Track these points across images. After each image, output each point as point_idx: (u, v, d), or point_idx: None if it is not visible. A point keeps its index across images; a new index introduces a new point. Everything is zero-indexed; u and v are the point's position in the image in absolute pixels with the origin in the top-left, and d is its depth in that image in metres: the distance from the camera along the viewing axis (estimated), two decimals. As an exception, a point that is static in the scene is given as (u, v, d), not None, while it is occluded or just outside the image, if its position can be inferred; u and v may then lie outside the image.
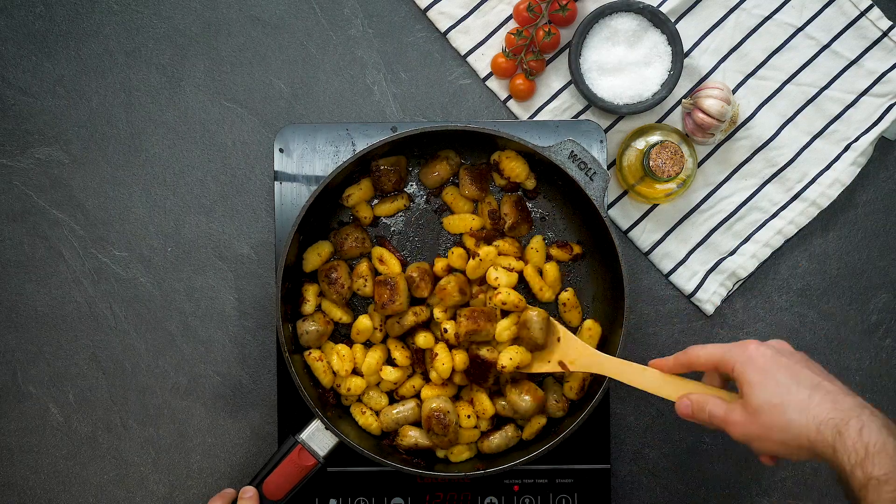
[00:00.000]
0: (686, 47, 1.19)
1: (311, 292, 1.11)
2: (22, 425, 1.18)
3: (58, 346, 1.18)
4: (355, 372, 1.11)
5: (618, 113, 1.15)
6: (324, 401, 1.10)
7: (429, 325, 1.11)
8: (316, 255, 1.11)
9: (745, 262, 1.18)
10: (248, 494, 1.06)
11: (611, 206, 1.19)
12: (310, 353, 1.10)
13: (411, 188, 1.15)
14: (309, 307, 1.11)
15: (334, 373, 1.10)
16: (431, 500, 1.14)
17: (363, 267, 1.10)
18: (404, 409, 1.10)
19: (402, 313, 1.09)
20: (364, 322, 1.09)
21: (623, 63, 1.15)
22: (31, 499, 1.18)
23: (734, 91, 1.19)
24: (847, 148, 1.18)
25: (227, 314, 1.18)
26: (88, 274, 1.18)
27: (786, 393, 0.86)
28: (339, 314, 1.11)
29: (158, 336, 1.18)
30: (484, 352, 1.07)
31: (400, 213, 1.14)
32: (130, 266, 1.19)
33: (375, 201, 1.14)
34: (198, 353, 1.18)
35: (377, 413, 1.11)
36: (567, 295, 1.12)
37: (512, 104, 1.19)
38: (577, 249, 1.13)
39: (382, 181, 1.11)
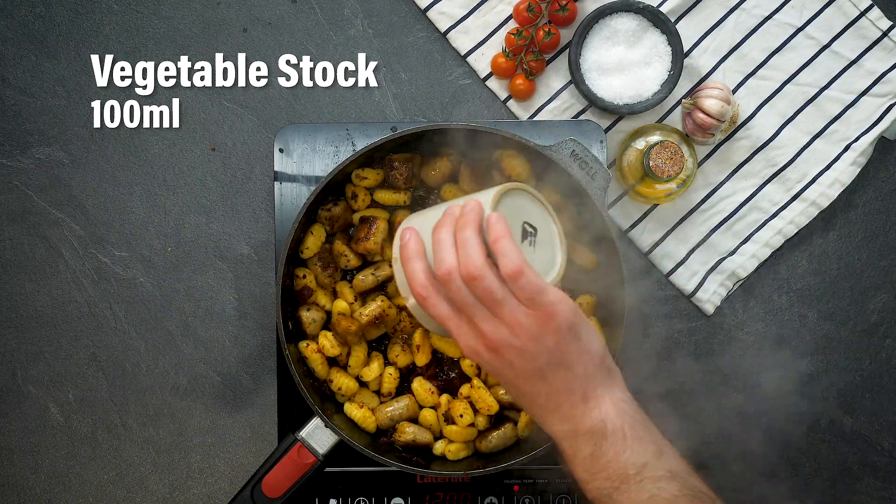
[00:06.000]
0: (686, 47, 1.19)
1: (311, 278, 1.11)
2: (22, 425, 1.18)
3: (58, 346, 1.18)
4: (345, 369, 1.11)
5: (618, 113, 1.15)
6: (321, 393, 1.10)
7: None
8: (315, 239, 1.11)
9: (745, 262, 1.18)
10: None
11: (611, 206, 1.18)
12: (308, 345, 1.09)
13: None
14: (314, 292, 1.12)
15: (328, 360, 1.10)
16: (431, 500, 1.13)
17: (339, 244, 1.11)
18: (399, 405, 1.10)
19: (377, 261, 1.10)
20: (340, 304, 1.10)
21: (623, 63, 1.15)
22: (31, 499, 1.18)
23: (734, 91, 1.19)
24: (847, 148, 1.18)
25: (227, 314, 1.18)
26: (88, 274, 1.18)
27: None
28: (326, 301, 1.12)
29: (158, 336, 1.18)
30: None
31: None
32: (130, 266, 1.18)
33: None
34: (198, 353, 1.18)
35: (372, 411, 1.11)
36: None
37: (512, 104, 1.19)
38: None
39: (395, 176, 1.11)
